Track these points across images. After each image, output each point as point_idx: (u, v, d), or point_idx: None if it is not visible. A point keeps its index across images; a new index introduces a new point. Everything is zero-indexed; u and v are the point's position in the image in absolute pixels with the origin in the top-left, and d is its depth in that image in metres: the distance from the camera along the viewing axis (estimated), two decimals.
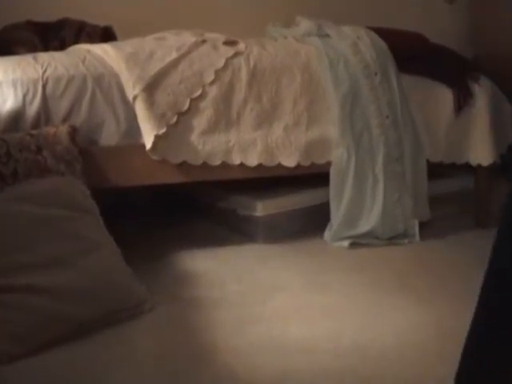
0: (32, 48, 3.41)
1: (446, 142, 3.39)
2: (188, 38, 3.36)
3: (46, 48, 3.48)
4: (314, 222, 3.35)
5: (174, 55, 3.09)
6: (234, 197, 3.38)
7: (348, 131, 3.18)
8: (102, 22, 3.74)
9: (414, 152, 3.29)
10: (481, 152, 3.43)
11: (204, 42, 3.29)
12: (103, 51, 3.10)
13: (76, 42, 3.52)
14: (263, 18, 4.09)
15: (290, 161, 3.14)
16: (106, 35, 3.61)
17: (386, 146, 3.20)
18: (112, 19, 3.88)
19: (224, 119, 3.09)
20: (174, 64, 3.07)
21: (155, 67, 3.02)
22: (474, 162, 3.45)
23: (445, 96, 3.41)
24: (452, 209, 3.71)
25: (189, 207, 3.74)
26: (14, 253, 2.36)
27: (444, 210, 3.61)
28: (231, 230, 3.47)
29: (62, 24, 3.65)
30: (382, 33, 3.45)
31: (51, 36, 3.57)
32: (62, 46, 3.52)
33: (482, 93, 3.44)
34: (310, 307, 2.66)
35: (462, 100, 3.38)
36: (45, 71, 2.98)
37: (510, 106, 3.54)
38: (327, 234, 3.23)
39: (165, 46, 3.17)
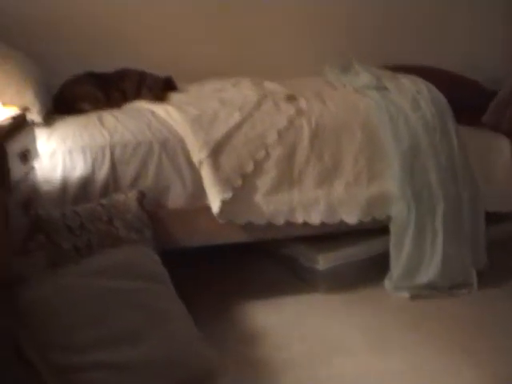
0: (95, 103, 3.49)
1: (503, 191, 3.43)
2: (247, 90, 3.43)
3: (108, 100, 3.54)
4: (372, 271, 3.39)
5: (237, 117, 3.14)
6: (297, 246, 3.44)
7: (408, 186, 3.22)
8: (158, 69, 3.80)
9: (473, 204, 3.34)
10: None
11: (264, 97, 3.29)
12: (167, 114, 3.17)
13: (137, 93, 3.57)
14: (321, 57, 4.22)
15: (351, 218, 3.21)
16: (167, 86, 3.65)
17: (446, 200, 3.25)
18: (169, 64, 3.92)
19: (287, 179, 3.17)
20: (238, 126, 3.14)
21: (219, 131, 3.08)
22: None
23: (502, 145, 3.44)
24: (508, 254, 3.71)
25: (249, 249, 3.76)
26: (86, 328, 2.38)
27: (500, 255, 3.61)
28: (293, 275, 3.55)
29: (122, 75, 3.72)
30: (440, 81, 3.45)
31: (112, 87, 3.62)
32: (123, 98, 3.56)
33: None
34: (369, 372, 2.75)
35: None
36: (112, 137, 3.04)
37: None
38: (388, 283, 3.31)
39: (227, 106, 3.21)
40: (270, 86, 3.57)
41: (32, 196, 2.80)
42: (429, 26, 4.71)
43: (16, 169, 2.44)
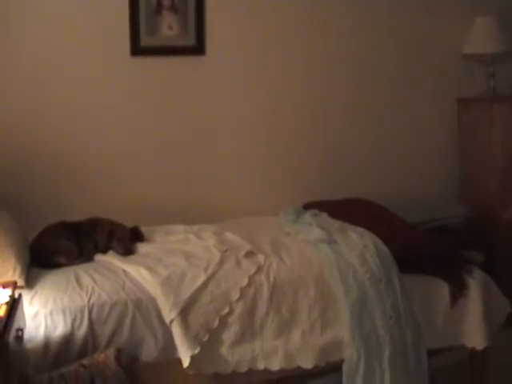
0: (71, 256, 3.82)
1: (443, 329, 3.83)
2: (210, 243, 3.77)
3: (81, 251, 3.88)
4: None
5: (203, 277, 3.51)
6: None
7: (357, 333, 3.59)
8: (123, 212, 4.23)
9: (416, 344, 3.71)
10: (475, 336, 3.86)
11: (226, 252, 3.66)
12: (139, 275, 3.50)
13: (108, 245, 3.92)
14: (276, 199, 4.84)
15: (307, 363, 3.56)
16: (135, 236, 4.01)
17: (391, 343, 3.62)
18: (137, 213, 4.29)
19: (249, 331, 3.50)
20: (204, 286, 3.49)
21: (187, 291, 3.44)
22: (469, 345, 3.85)
23: (442, 289, 3.85)
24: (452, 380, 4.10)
25: None
26: None
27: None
28: None
29: (94, 225, 4.05)
30: (386, 231, 3.88)
31: (85, 239, 3.95)
32: (95, 249, 3.91)
33: (474, 284, 3.88)
34: None
35: (458, 292, 3.81)
36: (89, 299, 3.37)
37: (499, 292, 3.96)
38: None
39: (193, 265, 3.59)
40: (230, 237, 3.94)
41: (19, 356, 3.06)
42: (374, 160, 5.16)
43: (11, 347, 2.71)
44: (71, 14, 4.54)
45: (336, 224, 4.05)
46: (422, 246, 3.93)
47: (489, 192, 5.14)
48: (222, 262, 3.62)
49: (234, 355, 3.44)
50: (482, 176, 5.26)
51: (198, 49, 4.82)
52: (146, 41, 4.69)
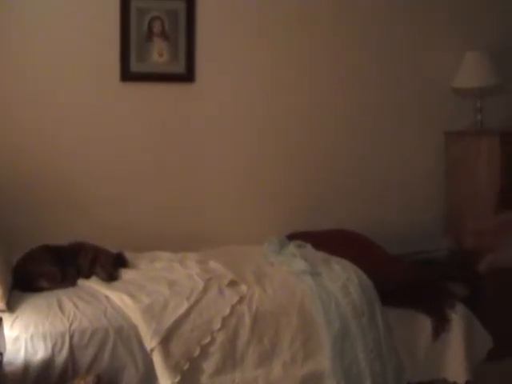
0: (53, 280, 3.81)
1: (425, 363, 3.83)
2: (194, 271, 3.77)
3: (64, 275, 3.87)
4: None
5: (186, 305, 3.51)
6: None
7: (338, 364, 3.60)
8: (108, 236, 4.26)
9: (397, 378, 3.71)
10: (456, 370, 3.86)
11: (209, 280, 3.66)
12: (121, 301, 3.50)
13: (91, 271, 3.92)
14: (261, 227, 4.84)
15: None
16: (119, 262, 4.02)
17: (371, 376, 3.63)
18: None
19: (230, 361, 3.49)
20: (186, 314, 3.49)
21: (169, 319, 3.43)
22: (450, 379, 3.86)
23: (424, 323, 3.85)
24: None
25: None
26: None
27: None
28: None
29: (77, 250, 4.06)
30: (370, 263, 3.90)
31: (68, 262, 3.95)
32: (78, 274, 3.91)
33: (456, 319, 3.89)
34: None
35: (440, 327, 3.82)
36: (71, 324, 3.36)
37: (481, 327, 3.97)
38: None
39: (176, 293, 3.57)
40: (214, 266, 3.95)
41: None
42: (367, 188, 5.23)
43: None
44: (62, 39, 4.57)
45: (320, 255, 4.07)
46: (405, 279, 3.93)
47: (474, 224, 5.15)
48: (204, 291, 3.63)
49: None
50: (468, 209, 5.23)
51: (188, 76, 4.86)
52: (136, 67, 4.72)
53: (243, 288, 3.68)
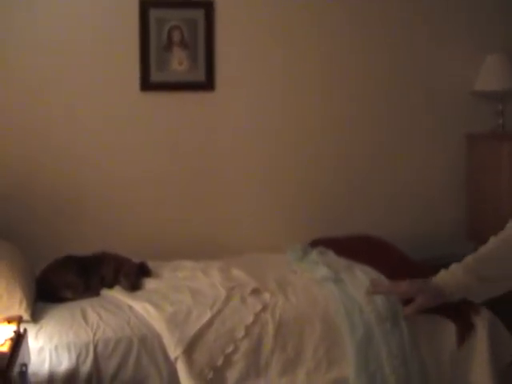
0: (77, 291, 3.82)
1: (449, 369, 3.78)
2: (216, 279, 3.77)
3: (88, 286, 3.88)
4: None
5: (209, 314, 3.51)
6: None
7: (363, 372, 3.57)
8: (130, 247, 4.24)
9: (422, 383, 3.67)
10: (481, 377, 3.82)
11: (232, 290, 3.66)
12: (145, 311, 3.50)
13: (114, 280, 3.92)
14: (283, 235, 4.80)
15: None
16: (142, 271, 4.02)
17: (397, 382, 3.59)
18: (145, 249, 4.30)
19: (254, 369, 3.48)
20: (209, 323, 3.49)
21: (193, 328, 3.43)
22: None
23: (449, 328, 3.80)
24: None
25: None
26: None
27: None
28: None
29: (100, 260, 4.07)
30: (392, 269, 3.89)
31: (91, 273, 3.96)
32: (101, 284, 3.91)
33: (481, 324, 3.84)
34: None
35: (465, 332, 3.79)
36: (95, 334, 3.37)
37: (506, 331, 3.93)
38: None
39: (199, 302, 3.57)
40: (236, 274, 3.94)
41: None
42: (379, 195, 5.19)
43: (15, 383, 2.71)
44: (82, 50, 4.59)
45: (342, 262, 4.05)
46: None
47: (497, 229, 5.10)
48: (227, 300, 3.63)
49: None
50: (490, 213, 5.20)
51: (208, 84, 4.86)
52: (156, 76, 4.73)
53: (266, 296, 3.67)
